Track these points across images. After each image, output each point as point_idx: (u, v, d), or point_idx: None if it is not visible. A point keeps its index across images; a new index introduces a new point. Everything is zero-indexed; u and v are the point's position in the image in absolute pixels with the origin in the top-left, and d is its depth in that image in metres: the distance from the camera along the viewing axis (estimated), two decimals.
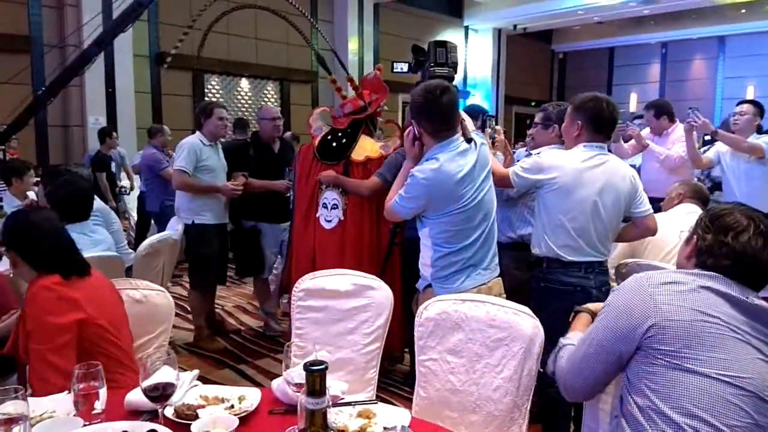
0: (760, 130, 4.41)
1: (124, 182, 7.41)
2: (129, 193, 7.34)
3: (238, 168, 4.19)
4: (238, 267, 4.49)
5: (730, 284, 1.39)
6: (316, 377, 1.14)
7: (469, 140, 2.37)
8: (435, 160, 2.31)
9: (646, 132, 4.67)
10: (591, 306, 1.73)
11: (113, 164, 6.60)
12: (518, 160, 4.81)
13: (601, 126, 2.50)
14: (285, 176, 4.15)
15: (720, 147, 4.31)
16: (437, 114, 2.33)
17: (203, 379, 3.39)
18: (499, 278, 2.51)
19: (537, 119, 3.07)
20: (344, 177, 3.30)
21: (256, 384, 3.56)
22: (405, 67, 3.12)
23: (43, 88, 4.51)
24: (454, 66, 2.96)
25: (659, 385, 1.35)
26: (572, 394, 1.58)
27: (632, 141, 4.58)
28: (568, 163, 2.45)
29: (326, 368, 1.15)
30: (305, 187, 3.49)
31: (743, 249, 1.39)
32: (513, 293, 3.07)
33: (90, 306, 1.83)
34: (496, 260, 2.50)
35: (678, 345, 1.34)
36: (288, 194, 4.08)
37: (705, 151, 4.49)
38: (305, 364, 1.17)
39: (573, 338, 1.61)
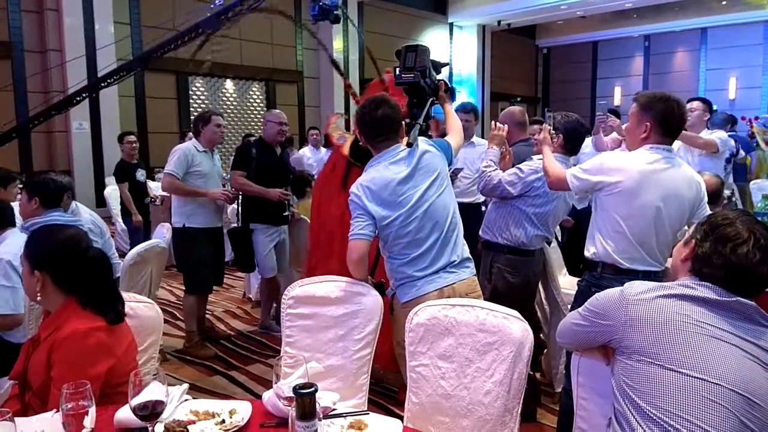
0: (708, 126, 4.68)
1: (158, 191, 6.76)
2: (161, 203, 6.75)
3: (239, 166, 4.24)
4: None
5: (712, 290, 1.40)
6: (306, 400, 1.13)
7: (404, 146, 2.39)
8: (366, 173, 2.38)
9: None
10: None
11: (139, 173, 5.99)
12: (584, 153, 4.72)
13: (672, 128, 2.39)
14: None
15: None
16: (370, 127, 2.38)
17: (194, 387, 3.36)
18: (468, 279, 2.41)
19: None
20: None
21: (248, 390, 3.55)
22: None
23: (62, 97, 4.44)
24: (422, 70, 2.83)
25: (640, 384, 1.38)
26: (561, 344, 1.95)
27: (613, 134, 4.59)
28: (632, 165, 2.33)
29: (315, 390, 1.14)
30: (344, 197, 3.38)
31: (739, 262, 1.39)
32: (500, 298, 3.07)
33: (119, 347, 1.74)
34: (467, 263, 2.44)
35: (650, 344, 1.38)
36: (287, 200, 4.28)
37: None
38: (294, 387, 1.16)
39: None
